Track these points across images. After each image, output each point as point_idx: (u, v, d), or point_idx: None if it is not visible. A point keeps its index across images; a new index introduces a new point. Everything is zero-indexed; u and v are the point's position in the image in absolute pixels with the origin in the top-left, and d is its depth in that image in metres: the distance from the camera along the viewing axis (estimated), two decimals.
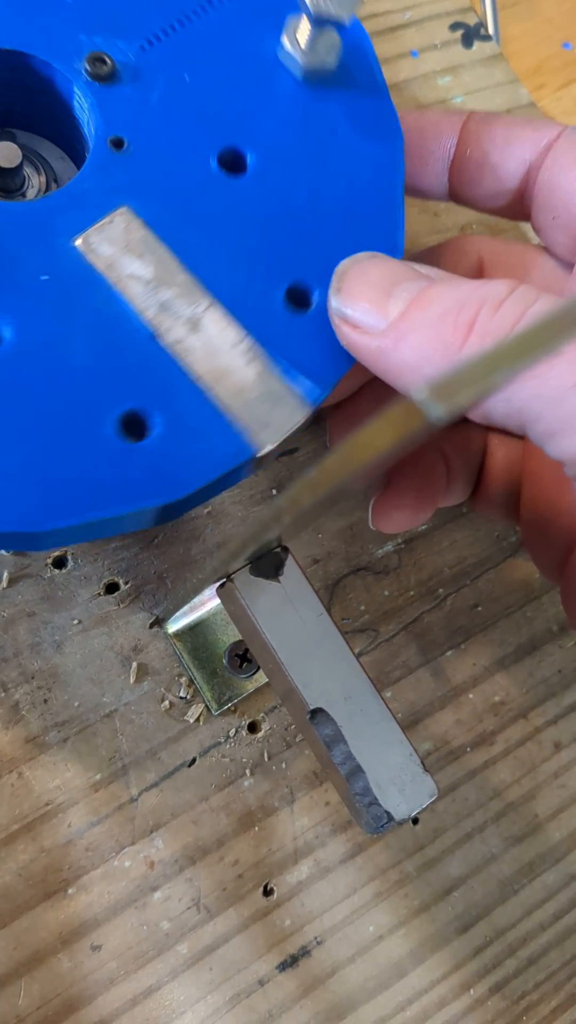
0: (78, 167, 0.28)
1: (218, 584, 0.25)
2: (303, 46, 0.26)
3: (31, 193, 0.28)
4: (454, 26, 0.41)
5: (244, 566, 0.24)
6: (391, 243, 0.27)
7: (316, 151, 0.27)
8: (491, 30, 0.45)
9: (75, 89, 0.25)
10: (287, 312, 0.25)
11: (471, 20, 0.42)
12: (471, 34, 0.41)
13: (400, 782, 0.24)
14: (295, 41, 0.26)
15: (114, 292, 0.24)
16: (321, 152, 0.27)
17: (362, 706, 0.24)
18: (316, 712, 0.24)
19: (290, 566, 0.25)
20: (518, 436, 0.32)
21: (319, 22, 0.25)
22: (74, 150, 0.28)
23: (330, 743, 0.24)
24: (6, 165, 0.26)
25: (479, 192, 0.30)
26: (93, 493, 0.23)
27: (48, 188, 0.28)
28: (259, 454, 0.24)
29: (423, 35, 0.41)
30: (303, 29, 0.26)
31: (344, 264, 0.25)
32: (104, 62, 0.25)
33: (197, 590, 0.25)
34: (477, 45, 0.42)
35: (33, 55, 0.25)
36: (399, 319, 0.23)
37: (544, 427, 0.21)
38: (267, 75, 0.27)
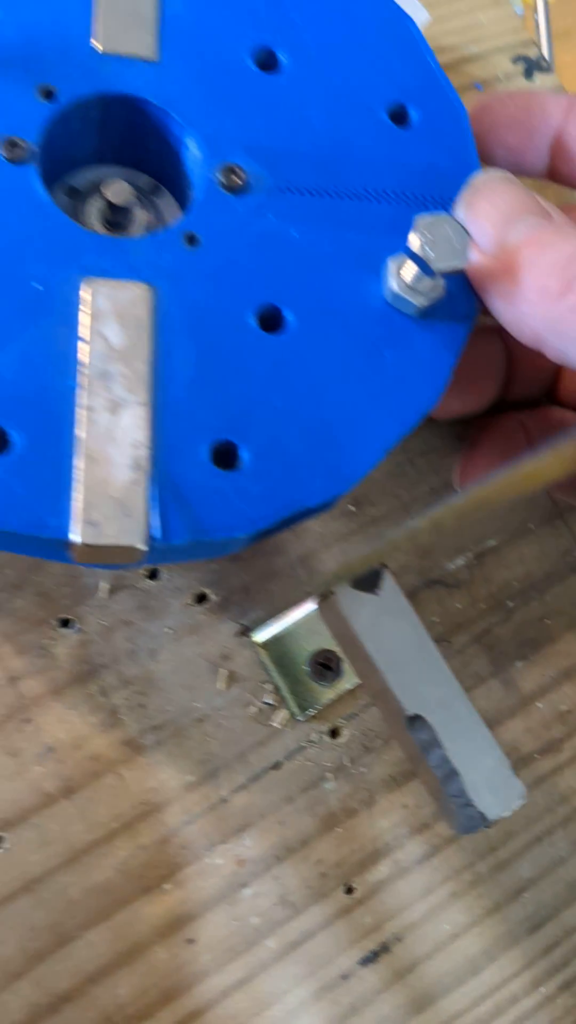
0: (181, 207, 0.30)
1: (320, 597, 0.26)
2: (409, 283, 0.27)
3: (134, 229, 0.29)
4: (516, 59, 0.43)
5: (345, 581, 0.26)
6: None
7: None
8: (546, 54, 0.47)
9: (187, 141, 0.27)
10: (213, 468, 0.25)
11: (532, 54, 0.43)
12: (532, 67, 0.43)
13: (492, 785, 0.25)
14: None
15: (76, 337, 0.25)
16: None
17: (456, 713, 0.26)
18: (414, 719, 0.25)
19: (387, 581, 0.26)
20: None
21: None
22: (181, 193, 0.29)
23: (427, 748, 0.25)
24: (118, 202, 0.28)
25: None
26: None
27: (153, 224, 0.30)
28: (66, 537, 0.23)
29: (487, 68, 0.42)
30: (409, 268, 0.27)
31: (479, 179, 0.27)
32: (237, 175, 0.27)
33: (299, 600, 0.26)
34: (538, 77, 0.43)
35: (151, 101, 0.27)
36: (513, 251, 0.25)
37: None
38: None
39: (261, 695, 0.33)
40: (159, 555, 0.25)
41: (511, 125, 0.30)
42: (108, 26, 0.28)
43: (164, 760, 0.31)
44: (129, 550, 0.23)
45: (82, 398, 0.24)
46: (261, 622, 0.32)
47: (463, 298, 0.28)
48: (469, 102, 0.31)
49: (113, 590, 0.32)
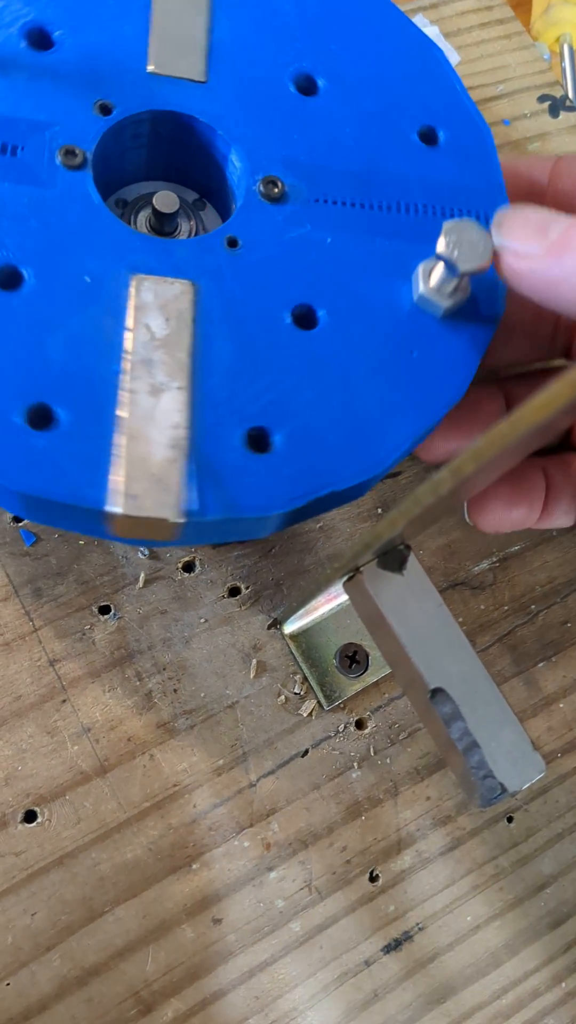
0: (224, 219, 0.32)
1: (346, 577, 0.28)
2: (433, 286, 0.29)
3: (181, 237, 0.31)
4: (542, 98, 0.45)
5: (371, 560, 0.27)
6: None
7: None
8: (571, 94, 0.49)
9: (231, 155, 0.29)
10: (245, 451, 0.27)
11: (557, 93, 0.46)
12: (557, 105, 0.45)
13: (512, 758, 0.26)
14: (427, 280, 0.29)
15: (122, 327, 0.26)
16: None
17: (477, 688, 0.27)
18: (436, 692, 0.26)
19: (412, 562, 0.27)
20: None
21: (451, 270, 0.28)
22: (224, 204, 0.31)
23: (448, 720, 0.26)
24: (165, 211, 0.30)
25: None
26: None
27: (196, 234, 0.32)
28: (105, 508, 0.25)
29: (514, 106, 0.45)
30: (437, 272, 0.28)
31: (504, 211, 0.29)
32: (276, 185, 0.29)
33: (330, 580, 0.28)
34: (563, 115, 0.45)
35: (198, 118, 0.29)
36: (558, 239, 0.27)
37: None
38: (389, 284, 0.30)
39: (290, 685, 0.34)
40: (194, 533, 0.27)
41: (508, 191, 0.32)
42: (161, 50, 0.30)
43: (195, 744, 0.32)
44: (164, 523, 0.25)
45: (125, 382, 0.26)
46: (290, 614, 0.33)
47: (487, 302, 0.29)
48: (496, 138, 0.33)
49: (150, 581, 0.33)
